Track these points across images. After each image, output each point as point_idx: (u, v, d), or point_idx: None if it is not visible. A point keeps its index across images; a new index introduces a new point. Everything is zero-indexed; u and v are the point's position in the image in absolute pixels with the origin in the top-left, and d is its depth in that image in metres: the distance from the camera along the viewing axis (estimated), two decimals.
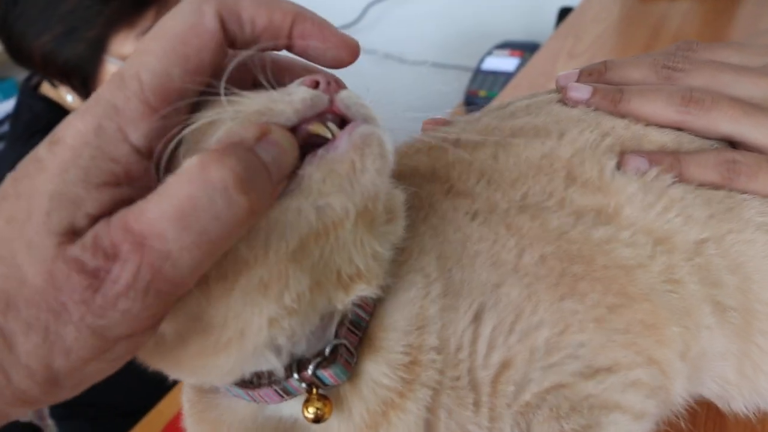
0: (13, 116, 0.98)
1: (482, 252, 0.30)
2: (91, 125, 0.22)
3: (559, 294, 0.29)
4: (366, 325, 0.29)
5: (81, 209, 0.22)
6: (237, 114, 0.24)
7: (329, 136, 0.25)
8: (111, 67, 0.86)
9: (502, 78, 1.31)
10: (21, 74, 1.44)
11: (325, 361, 0.27)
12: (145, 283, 0.21)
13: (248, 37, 0.26)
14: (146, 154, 0.23)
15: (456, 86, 1.32)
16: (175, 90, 0.24)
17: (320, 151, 0.25)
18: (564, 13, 1.34)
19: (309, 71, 0.29)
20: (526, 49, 1.35)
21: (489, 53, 1.36)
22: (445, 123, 0.39)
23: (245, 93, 0.25)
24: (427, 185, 0.32)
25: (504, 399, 0.28)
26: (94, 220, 0.22)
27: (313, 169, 0.24)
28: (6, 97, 1.60)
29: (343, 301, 0.27)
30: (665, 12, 0.96)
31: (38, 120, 0.92)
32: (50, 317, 0.21)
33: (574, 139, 0.34)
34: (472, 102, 1.22)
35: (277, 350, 0.27)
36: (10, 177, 0.23)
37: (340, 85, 0.27)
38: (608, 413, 0.29)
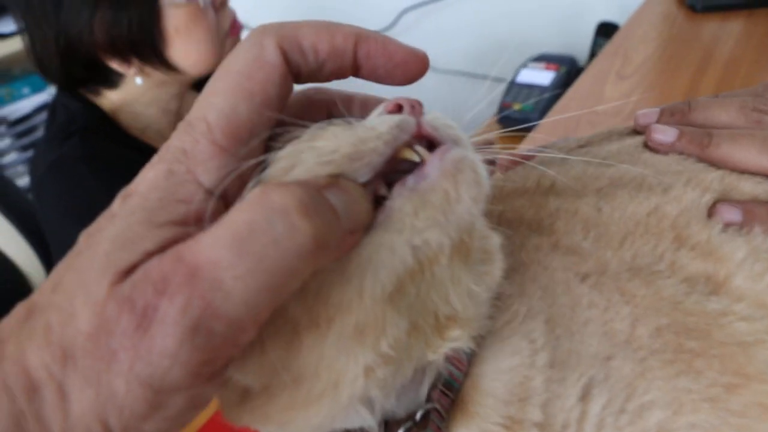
0: (49, 115, 0.97)
1: (593, 320, 0.27)
2: (162, 172, 0.22)
3: (674, 371, 0.26)
4: (459, 386, 0.27)
5: (140, 246, 0.20)
6: (320, 157, 0.23)
7: (417, 159, 0.24)
8: (168, 9, 0.86)
9: (537, 91, 1.28)
10: None
11: (415, 427, 0.26)
12: (194, 319, 0.19)
13: (312, 65, 0.25)
14: (218, 194, 0.22)
15: (489, 98, 1.29)
16: (244, 127, 0.23)
17: (409, 180, 0.23)
18: (603, 27, 1.32)
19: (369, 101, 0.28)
20: (562, 63, 1.32)
21: (524, 66, 1.33)
22: (519, 163, 0.37)
23: (324, 126, 0.24)
24: (533, 237, 0.30)
25: None
26: (151, 257, 0.20)
27: (404, 201, 0.23)
28: (35, 91, 1.60)
29: (438, 349, 0.25)
30: (716, 32, 0.93)
31: (74, 120, 0.91)
32: (102, 367, 0.19)
33: (679, 196, 0.32)
34: (505, 114, 1.20)
35: (369, 405, 0.25)
36: (84, 234, 0.22)
37: (422, 107, 0.25)
38: None
